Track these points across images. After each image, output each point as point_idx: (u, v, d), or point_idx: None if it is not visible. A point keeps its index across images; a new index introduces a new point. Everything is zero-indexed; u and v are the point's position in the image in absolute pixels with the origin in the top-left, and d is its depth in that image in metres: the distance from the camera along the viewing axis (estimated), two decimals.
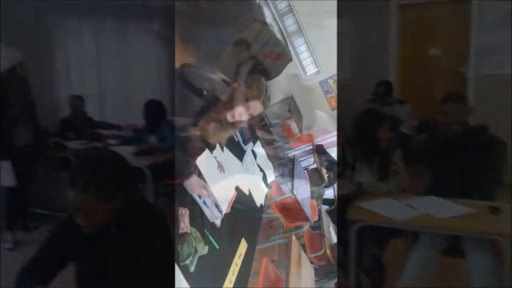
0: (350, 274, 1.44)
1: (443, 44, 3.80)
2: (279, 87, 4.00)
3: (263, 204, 1.80)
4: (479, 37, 3.39)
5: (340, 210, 1.52)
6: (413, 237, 1.54)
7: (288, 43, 3.73)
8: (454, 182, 1.44)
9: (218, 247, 1.22)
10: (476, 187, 1.46)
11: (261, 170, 1.96)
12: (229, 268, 1.26)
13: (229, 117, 1.23)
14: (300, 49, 3.93)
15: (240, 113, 1.22)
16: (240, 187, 1.61)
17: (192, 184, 1.22)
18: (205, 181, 1.25)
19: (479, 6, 3.40)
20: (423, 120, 2.99)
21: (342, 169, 1.63)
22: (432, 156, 1.60)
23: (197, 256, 1.07)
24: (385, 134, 1.55)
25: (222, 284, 1.18)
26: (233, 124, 1.28)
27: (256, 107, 1.25)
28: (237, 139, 1.86)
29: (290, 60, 3.58)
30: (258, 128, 3.82)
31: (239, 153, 1.80)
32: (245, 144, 1.89)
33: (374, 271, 1.49)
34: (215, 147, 1.48)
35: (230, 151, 1.69)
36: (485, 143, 1.49)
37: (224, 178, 1.40)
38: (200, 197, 1.25)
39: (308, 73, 4.05)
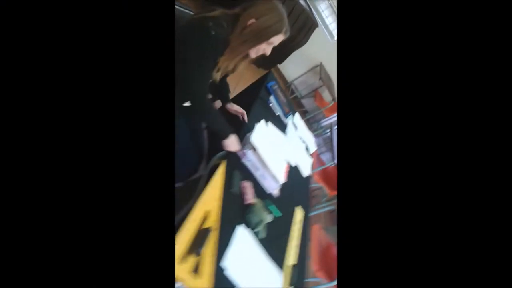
0: None
1: None
2: (307, 55, 3.91)
3: (308, 175, 1.85)
4: None
5: None
6: None
7: (312, 9, 3.59)
8: None
9: (280, 215, 1.29)
10: None
11: (303, 141, 1.99)
12: (290, 234, 1.33)
13: (252, 53, 1.14)
14: (325, 14, 3.78)
15: (264, 48, 1.13)
16: (288, 160, 1.66)
17: (231, 143, 1.20)
18: (261, 156, 1.29)
19: None
20: None
21: None
22: None
23: (264, 224, 1.15)
24: None
25: (287, 248, 1.26)
26: (257, 59, 1.19)
27: (278, 38, 1.12)
28: (277, 113, 1.88)
29: (316, 26, 3.47)
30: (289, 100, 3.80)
31: (282, 127, 1.83)
32: (286, 118, 1.91)
33: None
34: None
35: (274, 125, 1.72)
36: None
37: (275, 151, 1.44)
38: (258, 169, 1.31)
39: (336, 38, 3.91)
